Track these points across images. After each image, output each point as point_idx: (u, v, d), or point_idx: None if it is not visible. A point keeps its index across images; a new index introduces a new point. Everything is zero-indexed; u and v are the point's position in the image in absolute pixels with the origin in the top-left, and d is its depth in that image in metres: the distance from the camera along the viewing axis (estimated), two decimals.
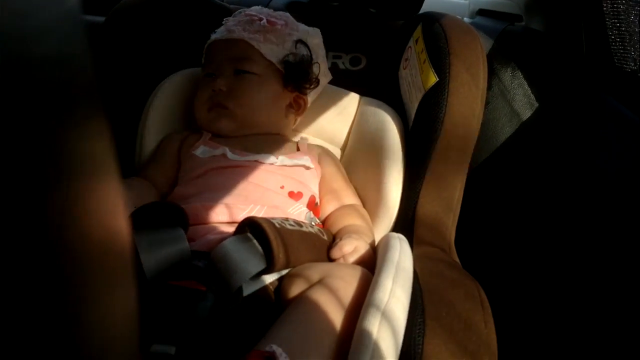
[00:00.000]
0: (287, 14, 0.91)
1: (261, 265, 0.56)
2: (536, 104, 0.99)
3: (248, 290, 0.56)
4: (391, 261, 0.61)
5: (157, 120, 0.88)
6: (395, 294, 0.55)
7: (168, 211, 0.60)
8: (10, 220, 0.16)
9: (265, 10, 0.91)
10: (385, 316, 0.52)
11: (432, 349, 0.53)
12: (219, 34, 0.87)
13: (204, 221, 0.67)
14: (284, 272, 0.60)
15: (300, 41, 0.87)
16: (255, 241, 0.57)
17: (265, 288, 0.58)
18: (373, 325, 0.51)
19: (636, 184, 0.72)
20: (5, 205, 0.16)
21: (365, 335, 0.50)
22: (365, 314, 0.52)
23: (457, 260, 0.77)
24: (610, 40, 0.92)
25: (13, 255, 0.17)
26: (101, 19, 0.94)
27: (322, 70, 0.90)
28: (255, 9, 0.90)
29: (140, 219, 0.56)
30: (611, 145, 0.83)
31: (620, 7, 0.90)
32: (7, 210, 0.16)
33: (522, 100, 1.00)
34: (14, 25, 0.17)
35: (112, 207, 0.22)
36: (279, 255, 0.56)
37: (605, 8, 0.91)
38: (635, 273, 0.70)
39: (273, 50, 0.84)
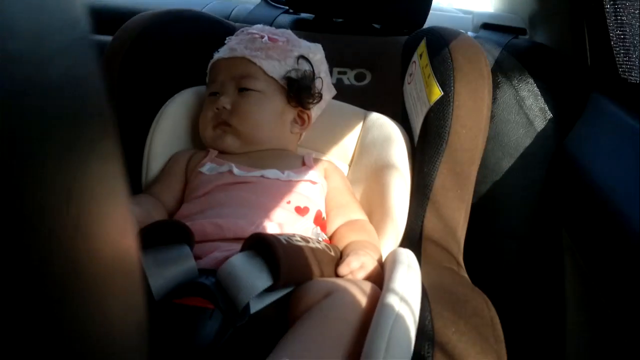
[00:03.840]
0: (289, 31, 0.92)
1: (268, 282, 0.56)
2: (549, 114, 0.99)
3: (255, 307, 0.56)
4: (402, 263, 0.61)
5: (163, 139, 0.89)
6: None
7: (174, 229, 0.60)
8: (22, 239, 0.17)
9: (267, 28, 0.92)
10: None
11: None
12: (221, 53, 0.88)
13: (210, 238, 0.68)
14: (292, 288, 0.60)
15: (302, 57, 0.88)
16: (262, 258, 0.57)
17: (272, 305, 0.58)
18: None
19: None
20: (17, 225, 0.16)
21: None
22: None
23: (466, 275, 0.76)
24: (615, 52, 0.92)
25: (24, 274, 0.17)
26: (108, 38, 0.95)
27: (325, 85, 0.91)
28: (257, 27, 0.91)
29: (147, 238, 0.56)
30: (613, 154, 0.82)
31: (624, 19, 0.90)
32: (19, 230, 0.16)
33: (536, 111, 1.00)
34: (28, 49, 0.17)
35: (122, 227, 0.22)
36: (286, 271, 0.56)
37: (608, 20, 0.91)
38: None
39: (275, 67, 0.85)
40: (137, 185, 0.86)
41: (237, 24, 1.07)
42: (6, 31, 0.16)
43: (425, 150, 0.83)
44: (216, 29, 1.02)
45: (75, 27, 0.20)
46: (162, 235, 0.58)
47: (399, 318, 0.52)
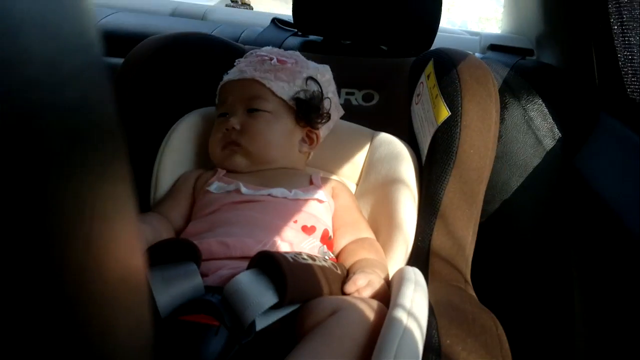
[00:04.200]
0: (298, 53, 0.94)
1: (274, 299, 0.56)
2: (558, 134, 0.99)
3: (261, 324, 0.56)
4: (409, 280, 0.62)
5: (172, 159, 0.90)
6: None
7: (181, 247, 0.61)
8: (34, 257, 0.17)
9: (276, 50, 0.93)
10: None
11: None
12: (231, 74, 0.89)
13: (217, 256, 0.68)
14: (298, 305, 0.60)
15: (310, 78, 0.89)
16: (268, 275, 0.58)
17: (278, 322, 0.58)
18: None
19: None
20: (30, 243, 0.17)
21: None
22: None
23: (474, 294, 0.76)
24: (623, 72, 0.92)
25: (36, 290, 0.17)
26: (119, 60, 0.97)
27: (333, 105, 0.92)
28: (266, 49, 0.93)
29: (154, 256, 0.57)
30: (621, 172, 0.82)
31: (631, 40, 0.91)
32: (32, 248, 0.17)
33: (544, 130, 1.00)
34: (44, 74, 0.18)
35: (131, 246, 0.22)
36: (293, 289, 0.56)
37: (616, 41, 0.92)
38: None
39: (284, 88, 0.86)
40: (145, 204, 0.87)
41: (246, 47, 1.09)
42: (23, 56, 0.17)
43: (432, 170, 0.83)
44: (225, 51, 1.03)
45: (88, 52, 0.21)
46: (169, 253, 0.59)
47: (406, 334, 0.52)
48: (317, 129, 0.90)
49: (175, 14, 1.57)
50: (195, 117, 0.94)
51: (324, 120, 0.90)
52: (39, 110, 0.17)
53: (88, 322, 0.20)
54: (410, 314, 0.55)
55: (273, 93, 0.86)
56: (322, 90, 0.90)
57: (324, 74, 0.93)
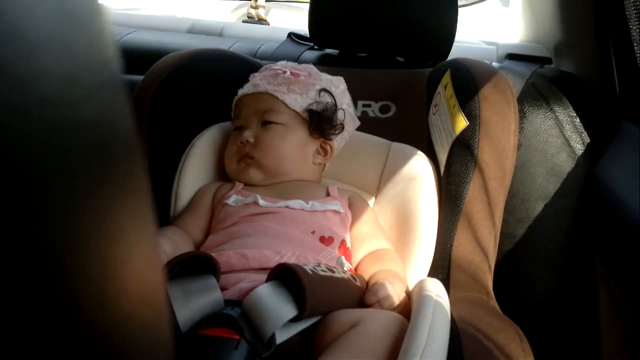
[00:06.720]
0: (311, 66, 0.94)
1: (294, 312, 0.56)
2: (579, 142, 0.97)
3: (281, 337, 0.56)
4: (430, 292, 0.62)
5: (192, 173, 0.90)
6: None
7: (200, 261, 0.61)
8: (52, 273, 0.17)
9: (290, 63, 0.94)
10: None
11: None
12: (245, 89, 0.90)
13: (236, 268, 0.68)
14: (318, 318, 0.60)
15: (323, 90, 0.90)
16: (287, 288, 0.57)
17: (298, 335, 0.58)
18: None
19: None
20: (47, 259, 0.17)
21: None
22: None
23: (496, 305, 0.75)
24: None
25: (53, 307, 0.17)
26: (138, 77, 0.99)
27: (347, 116, 0.92)
28: (280, 64, 0.94)
29: (174, 270, 0.57)
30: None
31: None
32: (49, 263, 0.17)
33: (565, 139, 0.98)
34: (62, 91, 0.18)
35: (149, 262, 0.23)
36: (312, 301, 0.56)
37: (636, 48, 0.91)
38: None
39: (297, 100, 0.87)
40: (165, 218, 0.88)
41: (263, 62, 1.10)
42: (41, 75, 0.17)
43: (452, 180, 0.83)
44: (243, 67, 1.04)
45: (106, 69, 0.21)
46: (188, 266, 0.59)
47: (428, 348, 0.52)
48: (331, 140, 0.90)
49: (193, 31, 1.58)
50: (214, 132, 0.95)
51: (337, 132, 0.90)
52: (56, 128, 0.17)
53: (107, 337, 0.20)
54: (432, 327, 0.55)
55: (286, 105, 0.86)
56: (335, 102, 0.90)
57: (338, 86, 0.93)
